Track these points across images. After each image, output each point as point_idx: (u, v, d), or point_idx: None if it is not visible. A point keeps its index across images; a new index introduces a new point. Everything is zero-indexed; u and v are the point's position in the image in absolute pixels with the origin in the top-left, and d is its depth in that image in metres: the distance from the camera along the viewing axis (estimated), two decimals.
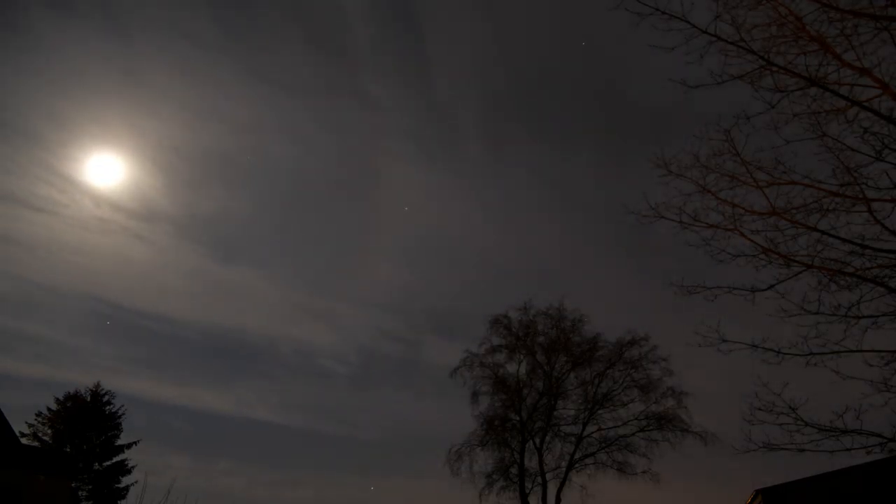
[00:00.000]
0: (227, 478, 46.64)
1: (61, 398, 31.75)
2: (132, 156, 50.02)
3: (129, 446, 31.89)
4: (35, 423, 31.00)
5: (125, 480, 31.07)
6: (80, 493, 29.68)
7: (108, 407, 32.21)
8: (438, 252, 60.65)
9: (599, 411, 31.21)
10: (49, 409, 31.34)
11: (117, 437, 31.92)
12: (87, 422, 31.14)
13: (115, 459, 31.36)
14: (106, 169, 48.27)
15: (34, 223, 48.53)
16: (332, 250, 60.56)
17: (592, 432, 31.06)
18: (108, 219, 50.79)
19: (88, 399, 31.98)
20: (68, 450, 29.93)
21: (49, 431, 30.86)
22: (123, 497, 30.65)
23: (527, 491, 29.95)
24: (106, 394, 32.52)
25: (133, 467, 31.45)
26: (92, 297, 52.31)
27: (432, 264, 60.78)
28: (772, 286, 8.81)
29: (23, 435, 29.68)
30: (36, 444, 30.11)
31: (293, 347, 58.54)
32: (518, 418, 31.47)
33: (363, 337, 58.56)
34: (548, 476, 30.29)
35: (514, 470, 30.64)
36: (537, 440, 30.99)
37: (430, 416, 55.85)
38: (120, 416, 32.28)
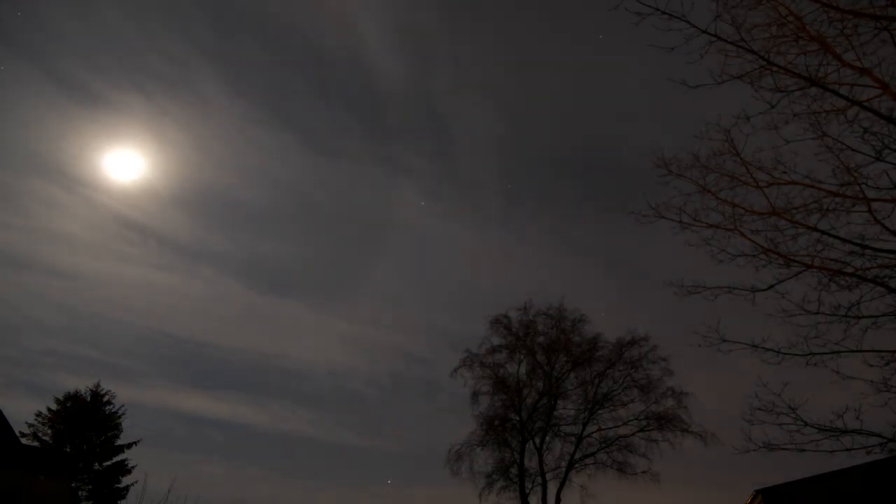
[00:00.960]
0: (258, 485, 49.90)
1: (61, 398, 31.76)
2: (189, 205, 59.93)
3: (129, 446, 31.90)
4: (35, 423, 30.98)
5: (125, 480, 31.10)
6: (80, 493, 29.67)
7: (108, 407, 32.18)
8: (457, 285, 67.89)
9: (599, 411, 31.23)
10: (49, 410, 31.31)
11: (117, 437, 31.89)
12: (87, 422, 31.12)
13: (115, 459, 31.34)
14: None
15: (98, 259, 56.41)
16: (363, 283, 67.34)
17: (592, 432, 31.09)
18: (163, 256, 58.93)
19: (88, 399, 31.95)
20: (68, 450, 29.92)
21: (49, 431, 30.83)
22: (123, 497, 30.64)
23: (527, 491, 29.96)
24: (106, 394, 32.50)
25: (133, 467, 31.49)
26: (144, 326, 58.48)
27: (452, 296, 67.33)
28: (772, 286, 8.80)
29: (23, 435, 29.67)
30: (36, 444, 30.09)
31: (328, 369, 63.28)
32: (518, 418, 31.47)
33: (391, 359, 63.66)
34: (548, 476, 30.30)
35: (514, 470, 30.64)
36: (537, 440, 30.99)
37: (451, 429, 60.27)
38: (120, 417, 32.26)
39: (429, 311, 66.00)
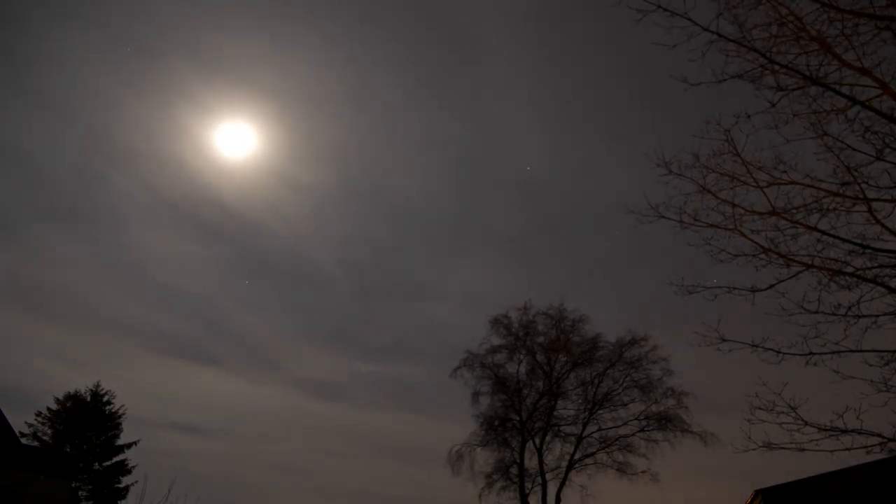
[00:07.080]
0: None
1: (61, 398, 31.75)
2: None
3: (129, 446, 31.90)
4: (35, 423, 31.01)
5: (125, 480, 31.12)
6: (80, 493, 29.68)
7: (108, 407, 32.18)
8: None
9: (599, 411, 31.29)
10: (49, 409, 31.31)
11: (117, 437, 31.90)
12: (87, 422, 31.11)
13: (115, 459, 31.35)
14: None
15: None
16: None
17: (592, 432, 31.15)
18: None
19: (88, 399, 31.95)
20: (68, 450, 29.92)
21: (49, 431, 30.84)
22: (123, 497, 30.65)
23: (527, 491, 29.97)
24: (106, 394, 32.51)
25: (133, 467, 31.50)
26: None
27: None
28: (772, 286, 8.78)
29: (23, 435, 29.66)
30: (36, 444, 30.10)
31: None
32: (518, 418, 31.49)
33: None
34: (548, 476, 30.34)
35: (514, 470, 30.68)
36: (537, 440, 31.01)
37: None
38: (120, 416, 32.27)
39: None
